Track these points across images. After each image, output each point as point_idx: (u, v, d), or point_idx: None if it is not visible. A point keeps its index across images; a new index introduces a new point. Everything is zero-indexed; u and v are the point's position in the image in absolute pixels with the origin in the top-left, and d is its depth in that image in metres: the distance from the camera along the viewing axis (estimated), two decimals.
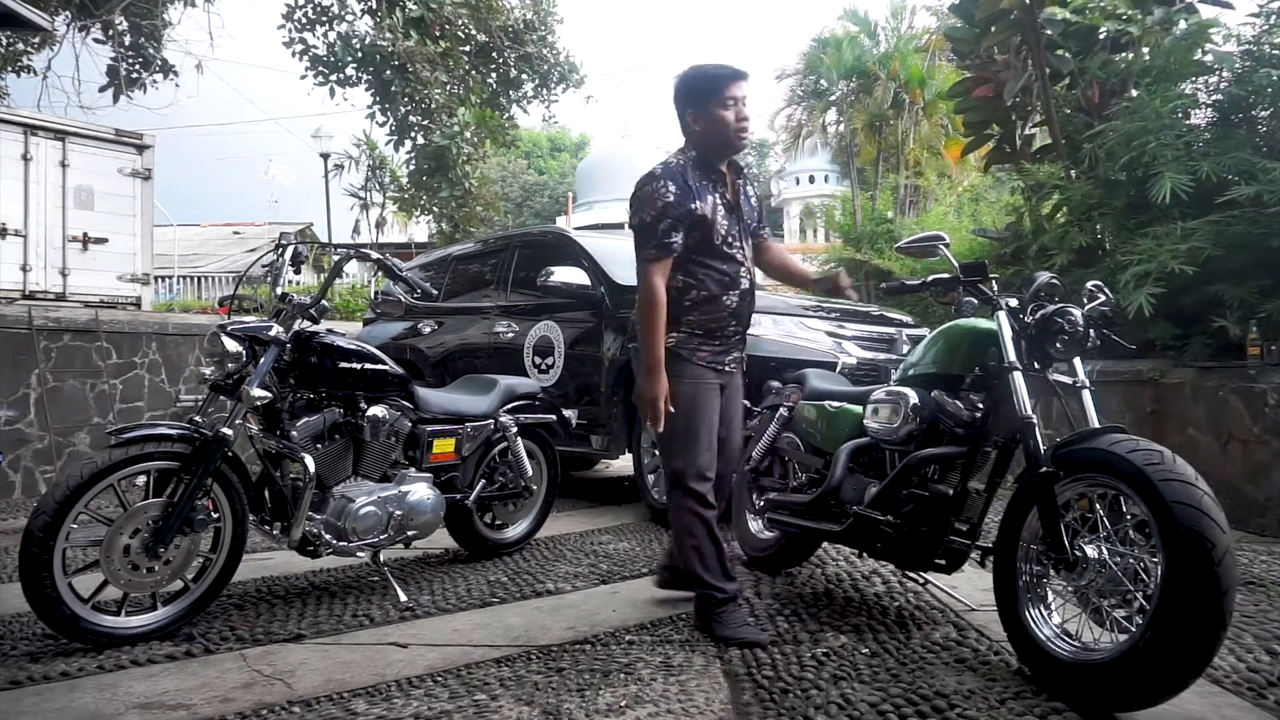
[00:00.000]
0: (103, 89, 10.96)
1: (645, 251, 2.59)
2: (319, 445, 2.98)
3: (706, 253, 2.65)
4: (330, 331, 3.09)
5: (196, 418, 2.76)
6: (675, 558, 2.91)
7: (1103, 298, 2.51)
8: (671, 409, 2.59)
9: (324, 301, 3.01)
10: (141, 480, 2.63)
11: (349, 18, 11.34)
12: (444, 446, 3.41)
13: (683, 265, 2.65)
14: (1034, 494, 2.18)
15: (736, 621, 2.63)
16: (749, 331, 2.86)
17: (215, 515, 2.76)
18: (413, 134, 11.69)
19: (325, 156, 16.86)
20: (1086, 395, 2.38)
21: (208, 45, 20.65)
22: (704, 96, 2.62)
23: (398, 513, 3.09)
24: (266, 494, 2.97)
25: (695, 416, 2.64)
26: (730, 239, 2.68)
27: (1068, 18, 6.06)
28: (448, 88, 11.35)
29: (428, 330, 6.12)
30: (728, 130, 2.61)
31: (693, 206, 2.58)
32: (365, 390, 3.10)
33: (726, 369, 2.77)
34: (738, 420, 2.91)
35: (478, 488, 3.60)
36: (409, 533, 3.17)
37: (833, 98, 16.58)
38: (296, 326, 2.94)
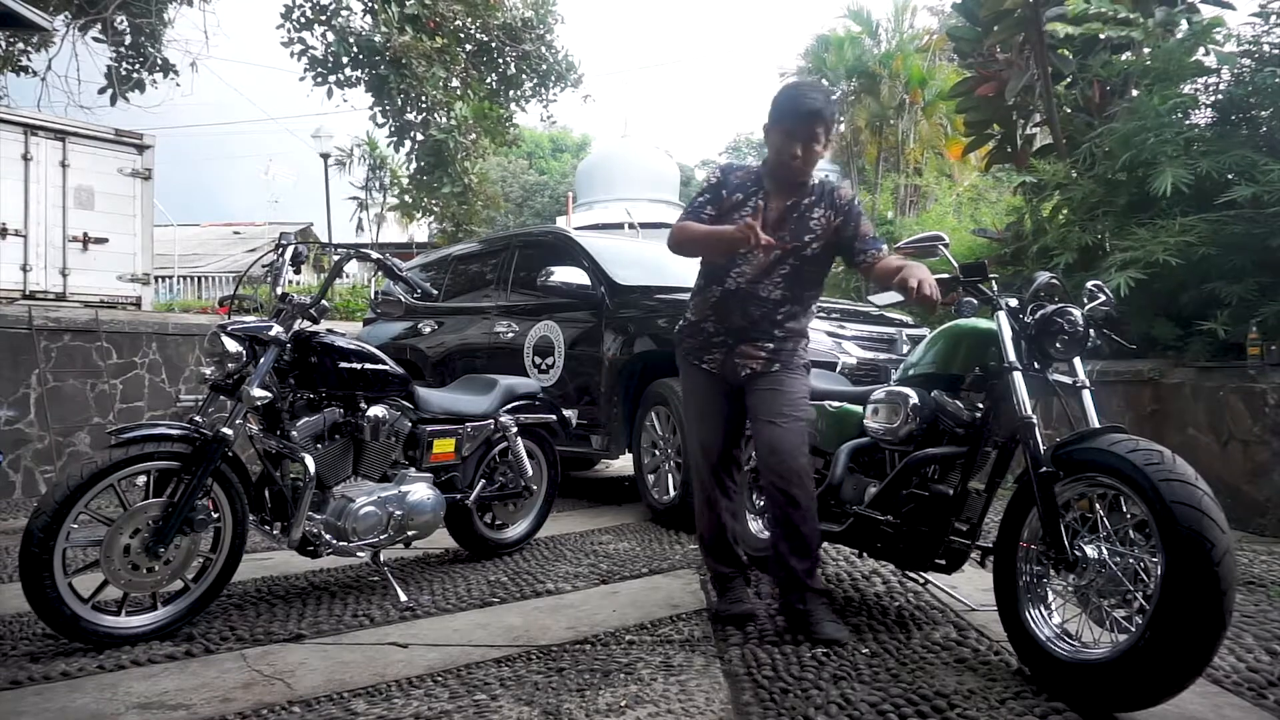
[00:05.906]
0: (102, 90, 10.96)
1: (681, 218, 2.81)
2: (319, 445, 2.98)
3: None
4: (330, 331, 3.09)
5: (196, 418, 2.76)
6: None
7: (1103, 298, 2.51)
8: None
9: (324, 301, 3.01)
10: (141, 480, 2.63)
11: (345, 14, 11.33)
12: (444, 446, 3.41)
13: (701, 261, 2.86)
14: (1034, 494, 2.18)
15: (730, 599, 2.81)
16: None
17: (215, 515, 2.75)
18: (412, 134, 11.68)
19: (325, 156, 16.86)
20: (1086, 395, 2.38)
21: (203, 44, 20.63)
22: (776, 115, 2.68)
23: (398, 513, 3.09)
24: (266, 494, 2.96)
25: (687, 402, 2.96)
26: None
27: (1070, 32, 6.06)
28: (444, 83, 11.33)
29: (428, 330, 6.12)
30: (780, 154, 2.68)
31: (723, 193, 2.76)
32: (365, 390, 3.10)
33: (704, 366, 2.83)
34: (764, 417, 2.69)
35: (478, 488, 3.60)
36: (409, 533, 3.17)
37: (834, 97, 16.59)
38: (296, 326, 2.94)
